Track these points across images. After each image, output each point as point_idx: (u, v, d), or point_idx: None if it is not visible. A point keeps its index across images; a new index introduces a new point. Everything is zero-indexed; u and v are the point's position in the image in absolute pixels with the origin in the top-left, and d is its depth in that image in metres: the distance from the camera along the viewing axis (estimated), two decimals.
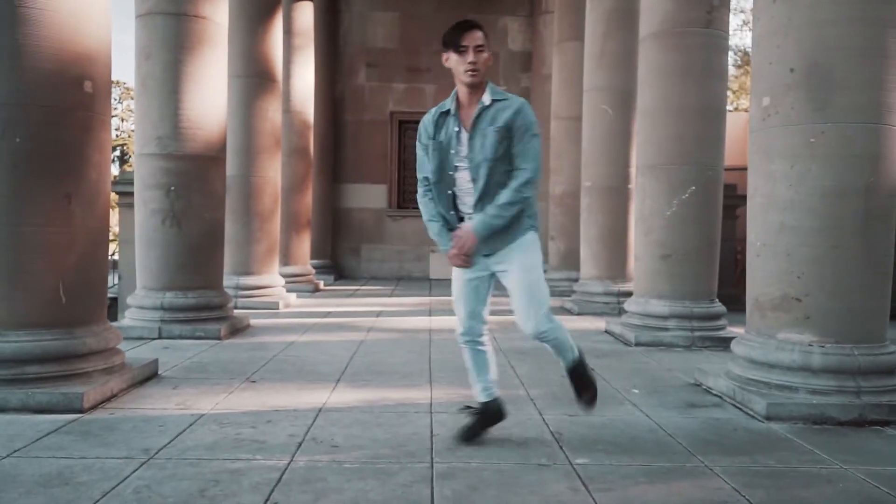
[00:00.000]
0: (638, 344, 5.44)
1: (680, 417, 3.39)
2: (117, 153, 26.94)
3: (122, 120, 30.33)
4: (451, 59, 2.73)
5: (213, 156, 5.56)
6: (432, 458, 2.68)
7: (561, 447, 2.87)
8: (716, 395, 3.83)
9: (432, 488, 2.38)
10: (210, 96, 5.49)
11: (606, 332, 6.14)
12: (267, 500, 2.25)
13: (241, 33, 7.28)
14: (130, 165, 25.21)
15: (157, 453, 2.69)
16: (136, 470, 2.50)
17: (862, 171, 3.38)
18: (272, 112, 7.70)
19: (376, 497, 2.30)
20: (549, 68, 10.55)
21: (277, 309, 7.46)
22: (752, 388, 3.55)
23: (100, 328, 3.61)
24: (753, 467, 2.67)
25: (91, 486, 2.34)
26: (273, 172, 7.79)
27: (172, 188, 5.37)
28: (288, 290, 8.41)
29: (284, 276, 8.85)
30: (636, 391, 3.92)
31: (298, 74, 9.59)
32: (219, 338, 5.37)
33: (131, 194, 5.85)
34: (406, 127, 12.45)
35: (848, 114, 3.37)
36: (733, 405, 3.61)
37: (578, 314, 7.50)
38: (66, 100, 3.38)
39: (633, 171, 7.12)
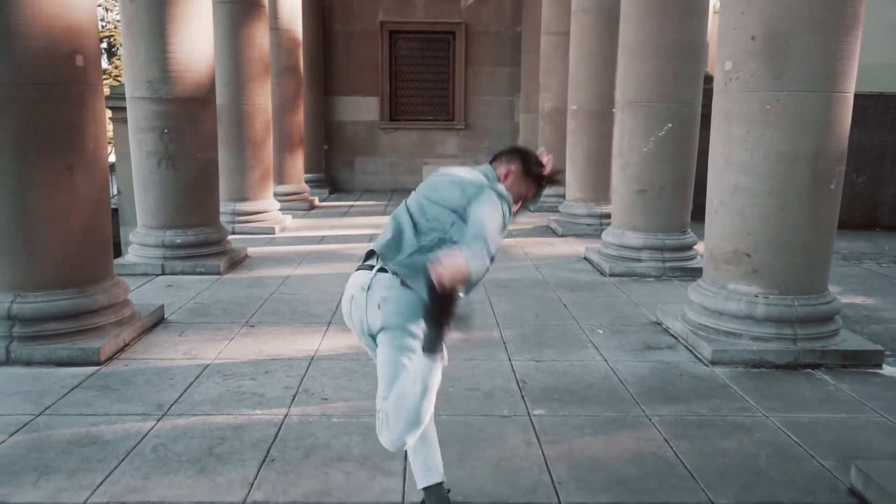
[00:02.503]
0: (612, 275, 5.80)
1: (635, 362, 3.79)
2: (104, 45, 26.44)
3: (107, 10, 29.41)
4: (517, 174, 2.34)
5: (202, 97, 5.71)
6: None
7: (523, 397, 3.27)
8: (672, 335, 4.22)
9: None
10: (196, 37, 5.57)
11: (585, 258, 6.49)
12: (266, 457, 2.66)
13: None
14: (119, 59, 24.66)
15: (169, 409, 3.09)
16: (153, 427, 2.90)
17: (812, 138, 3.61)
18: (259, 38, 7.71)
19: (358, 452, 2.70)
20: None
21: (274, 234, 7.78)
22: (703, 333, 3.93)
23: (108, 284, 3.95)
24: (687, 417, 3.08)
25: (116, 444, 2.75)
26: (263, 99, 7.89)
27: (165, 131, 5.56)
28: (284, 210, 8.70)
29: (280, 195, 9.12)
30: (601, 331, 4.31)
31: None
32: (218, 272, 5.72)
33: (124, 109, 5.88)
34: (397, 37, 12.31)
35: (802, 82, 3.55)
36: (685, 347, 4.01)
37: (562, 235, 7.84)
38: (60, 75, 3.55)
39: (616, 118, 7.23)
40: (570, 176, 8.16)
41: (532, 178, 2.36)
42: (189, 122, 5.64)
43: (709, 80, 5.24)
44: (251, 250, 6.69)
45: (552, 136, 9.63)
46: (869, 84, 10.60)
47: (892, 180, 10.06)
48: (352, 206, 10.56)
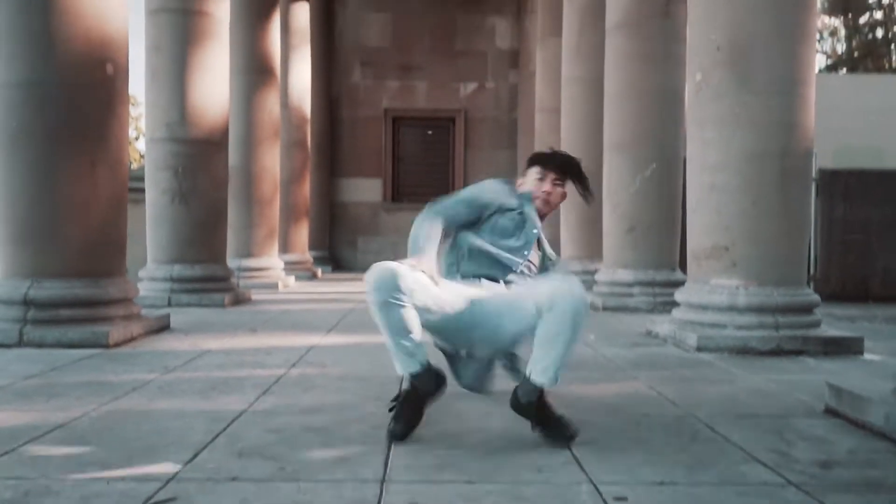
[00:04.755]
0: (605, 308, 5.97)
1: (624, 351, 3.92)
2: (133, 135, 27.94)
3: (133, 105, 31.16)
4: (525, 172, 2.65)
5: (216, 140, 6.11)
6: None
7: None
8: (660, 338, 4.36)
9: (400, 386, 2.90)
10: (213, 85, 6.04)
11: None
12: (265, 392, 2.78)
13: (242, 30, 7.83)
14: (139, 161, 25.73)
15: (174, 369, 3.22)
16: (158, 377, 3.03)
17: (779, 136, 3.91)
18: (271, 105, 8.26)
19: (354, 395, 2.82)
20: (534, 65, 11.09)
21: (277, 289, 7.99)
22: (689, 328, 4.07)
23: (120, 280, 4.15)
24: (672, 377, 3.20)
25: (123, 385, 2.87)
26: (272, 162, 8.34)
27: (180, 169, 5.91)
28: (287, 275, 8.94)
29: (284, 262, 9.39)
30: (592, 337, 4.45)
31: (296, 71, 10.15)
32: (223, 306, 5.90)
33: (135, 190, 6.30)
34: (400, 123, 13.00)
35: (766, 85, 3.90)
36: (673, 344, 4.14)
37: None
38: (91, 80, 3.92)
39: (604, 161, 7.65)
40: (565, 236, 8.46)
41: (538, 163, 2.61)
42: (203, 162, 6.01)
43: None
44: (255, 296, 6.89)
45: None
46: (852, 163, 11.12)
47: (881, 254, 10.32)
48: (354, 277, 10.78)
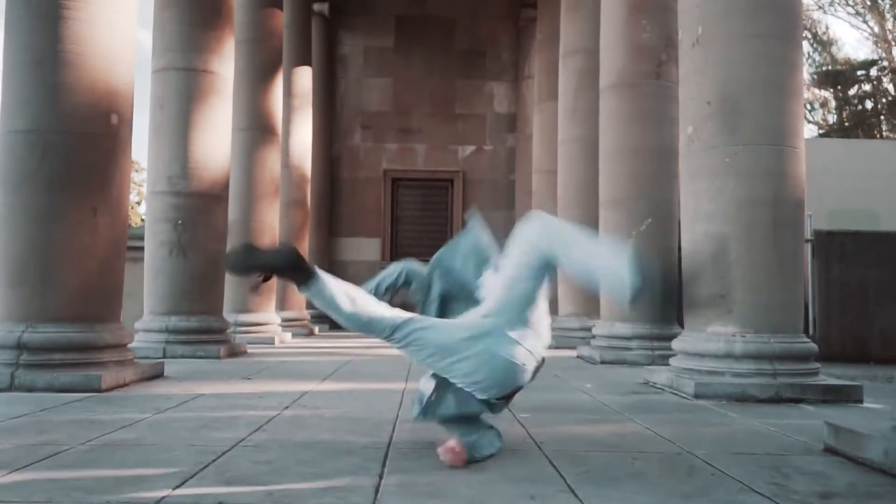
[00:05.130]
0: (603, 362, 5.93)
1: (620, 398, 3.88)
2: (135, 199, 28.19)
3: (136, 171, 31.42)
4: None
5: (216, 194, 6.19)
6: (398, 413, 3.17)
7: (509, 409, 3.35)
8: (658, 387, 4.32)
9: (394, 426, 2.87)
10: (215, 141, 6.16)
11: (578, 357, 6.62)
12: (257, 429, 2.74)
13: (246, 90, 8.04)
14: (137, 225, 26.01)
15: (165, 410, 3.18)
16: (149, 417, 3.00)
17: (769, 185, 3.98)
18: (271, 162, 8.40)
19: (347, 433, 2.78)
20: (531, 128, 11.35)
21: (273, 344, 7.94)
22: (686, 375, 4.05)
23: (115, 326, 4.14)
24: (669, 420, 3.16)
25: (113, 422, 2.84)
26: (271, 218, 8.42)
27: (179, 222, 5.97)
28: (283, 331, 8.90)
29: (281, 319, 9.35)
30: (589, 385, 4.41)
31: (297, 132, 10.37)
32: (218, 357, 5.86)
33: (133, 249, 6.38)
34: (399, 184, 13.18)
35: (755, 136, 3.99)
36: (670, 392, 4.10)
37: (556, 347, 7.97)
38: (96, 129, 4.01)
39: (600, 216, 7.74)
40: (562, 293, 8.46)
41: None
42: (202, 215, 6.07)
43: None
44: (251, 349, 6.84)
45: None
46: (847, 226, 11.25)
47: (879, 315, 10.30)
48: (352, 336, 10.74)
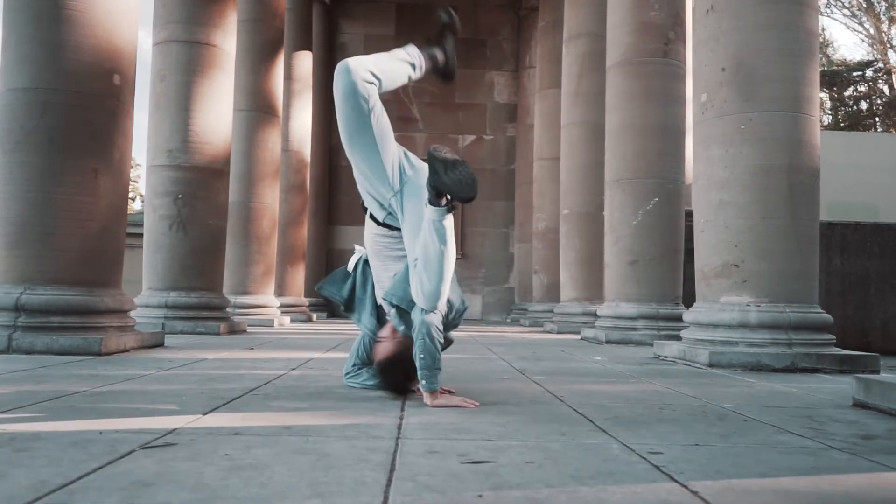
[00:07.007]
0: (608, 342, 5.85)
1: (633, 367, 3.80)
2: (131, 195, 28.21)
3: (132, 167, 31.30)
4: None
5: (217, 168, 6.08)
6: None
7: (523, 373, 3.27)
8: (670, 360, 4.24)
9: None
10: (216, 114, 6.06)
11: (582, 338, 6.54)
12: (265, 383, 2.65)
13: (246, 70, 7.92)
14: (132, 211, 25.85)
15: (170, 369, 3.09)
16: (153, 373, 2.90)
17: (785, 152, 3.91)
18: (272, 143, 8.28)
19: (360, 389, 2.69)
20: (532, 118, 11.27)
21: (272, 327, 7.83)
22: (699, 346, 3.97)
23: (116, 291, 4.04)
24: (688, 383, 3.08)
25: (116, 377, 2.74)
26: (271, 199, 8.30)
27: (180, 196, 5.86)
28: (282, 315, 8.79)
29: (279, 304, 9.25)
30: (598, 358, 4.33)
31: (297, 117, 10.26)
32: (218, 334, 5.76)
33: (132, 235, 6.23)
34: None
35: (770, 103, 3.92)
36: (683, 363, 4.02)
37: (559, 333, 7.90)
38: (97, 88, 3.90)
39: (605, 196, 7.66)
40: (564, 277, 8.38)
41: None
42: (203, 189, 5.97)
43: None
44: (250, 329, 6.73)
45: (546, 253, 9.99)
46: (847, 219, 11.21)
47: (880, 306, 10.24)
48: (350, 323, 10.64)
